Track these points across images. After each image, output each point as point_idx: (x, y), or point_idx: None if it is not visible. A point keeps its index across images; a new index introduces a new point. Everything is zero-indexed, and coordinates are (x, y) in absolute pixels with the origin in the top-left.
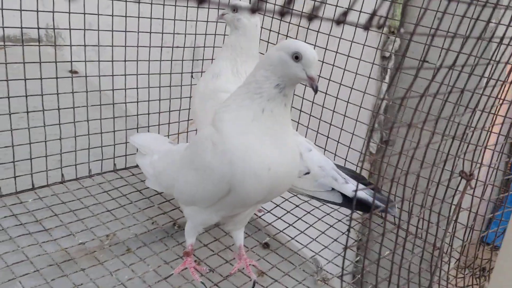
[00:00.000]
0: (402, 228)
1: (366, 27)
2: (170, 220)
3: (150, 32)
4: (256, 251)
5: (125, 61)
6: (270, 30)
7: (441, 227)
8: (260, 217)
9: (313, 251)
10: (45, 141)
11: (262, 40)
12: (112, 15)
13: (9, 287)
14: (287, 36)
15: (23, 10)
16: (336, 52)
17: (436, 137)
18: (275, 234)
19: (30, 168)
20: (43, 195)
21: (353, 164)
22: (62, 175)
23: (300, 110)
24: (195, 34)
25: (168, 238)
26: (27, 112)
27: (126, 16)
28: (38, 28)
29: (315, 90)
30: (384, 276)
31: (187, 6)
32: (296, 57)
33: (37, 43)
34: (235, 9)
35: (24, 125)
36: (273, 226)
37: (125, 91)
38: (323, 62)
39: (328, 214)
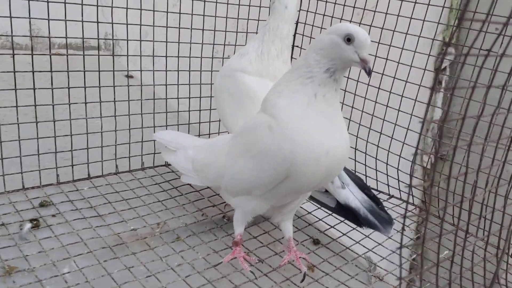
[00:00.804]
0: (462, 229)
1: None
2: (220, 213)
3: (202, 44)
4: (306, 245)
5: (178, 71)
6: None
7: (505, 227)
8: (310, 212)
9: (366, 247)
10: (101, 132)
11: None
12: (167, 26)
13: (64, 265)
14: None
15: (85, 21)
16: (386, 59)
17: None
18: (325, 230)
19: (86, 159)
20: (98, 184)
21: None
22: (116, 166)
23: (350, 119)
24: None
25: (217, 229)
26: (85, 103)
27: (179, 28)
28: (98, 39)
29: (369, 73)
30: (444, 275)
31: (237, 18)
32: (348, 39)
33: (97, 51)
34: None
35: (82, 116)
36: (323, 221)
37: (178, 92)
38: (381, 72)
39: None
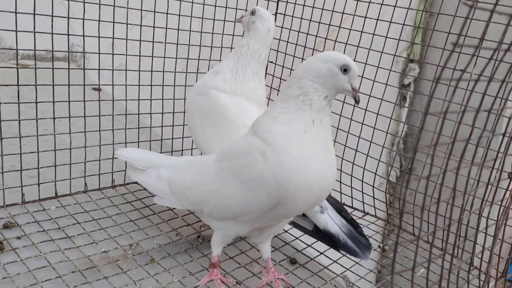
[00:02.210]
0: (436, 246)
1: None
2: (195, 232)
3: (176, 58)
4: (284, 265)
5: (151, 85)
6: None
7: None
8: (286, 231)
9: (344, 267)
10: (70, 149)
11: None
12: (140, 40)
13: None
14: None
15: (54, 34)
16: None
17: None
18: (302, 249)
19: (54, 177)
20: (66, 203)
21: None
22: (86, 184)
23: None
24: (219, 60)
25: (192, 249)
26: (54, 118)
27: (152, 42)
28: (69, 52)
29: (357, 101)
30: None
31: (212, 33)
32: (345, 70)
33: (62, 62)
34: (253, 12)
35: (47, 133)
36: (300, 240)
37: (150, 108)
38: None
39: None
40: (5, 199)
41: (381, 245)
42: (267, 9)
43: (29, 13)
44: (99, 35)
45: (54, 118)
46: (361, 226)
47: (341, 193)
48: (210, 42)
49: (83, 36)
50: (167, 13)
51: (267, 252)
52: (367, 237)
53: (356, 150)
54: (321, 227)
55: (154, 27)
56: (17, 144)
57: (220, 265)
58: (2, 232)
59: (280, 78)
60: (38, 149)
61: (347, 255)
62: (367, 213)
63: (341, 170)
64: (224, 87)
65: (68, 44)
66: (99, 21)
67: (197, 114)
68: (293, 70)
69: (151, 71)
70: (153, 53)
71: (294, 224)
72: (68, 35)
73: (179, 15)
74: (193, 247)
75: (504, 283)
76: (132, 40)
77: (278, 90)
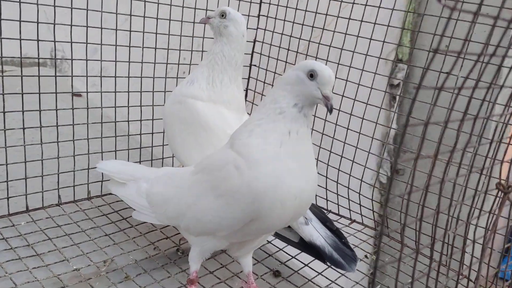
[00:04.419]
0: (423, 254)
1: None
2: (173, 245)
3: (154, 63)
4: (267, 279)
5: (128, 92)
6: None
7: (468, 252)
8: (270, 242)
9: (329, 279)
10: (42, 160)
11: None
12: (116, 45)
13: None
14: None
15: (23, 39)
16: (346, 80)
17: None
18: (286, 260)
19: (24, 189)
20: (38, 217)
21: (366, 197)
22: (59, 196)
23: (312, 129)
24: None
25: (170, 264)
26: (23, 128)
27: (129, 46)
28: (38, 58)
29: (330, 110)
30: None
31: (192, 36)
32: (311, 75)
33: (39, 68)
34: (223, 14)
35: (20, 143)
36: (284, 251)
37: (128, 115)
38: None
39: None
40: None
41: (367, 254)
42: (249, 11)
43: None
44: (71, 40)
45: (23, 128)
46: (348, 234)
47: (327, 200)
48: (191, 46)
49: (54, 41)
50: (144, 16)
51: (248, 266)
52: (352, 247)
53: (342, 156)
54: (306, 239)
55: (130, 31)
56: None
57: (198, 281)
58: None
59: (264, 82)
60: (6, 161)
61: (333, 267)
62: (354, 221)
63: (326, 177)
64: (201, 96)
65: (38, 49)
66: (71, 25)
67: (175, 123)
68: (276, 73)
69: (128, 77)
70: (129, 58)
71: (278, 235)
72: (38, 40)
73: (157, 19)
74: (171, 261)
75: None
76: (107, 45)
77: (262, 94)
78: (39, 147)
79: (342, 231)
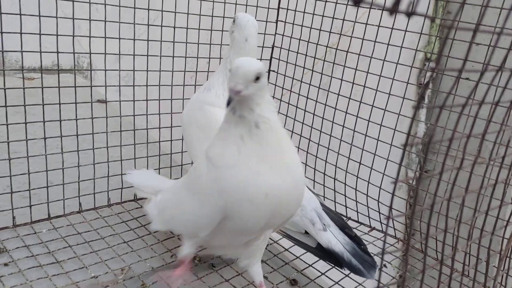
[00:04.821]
0: (446, 265)
1: (392, 10)
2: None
3: (185, 71)
4: None
5: (146, 100)
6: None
7: (491, 264)
8: (287, 249)
9: None
10: (63, 168)
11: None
12: (133, 54)
13: None
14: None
15: (60, 52)
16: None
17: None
18: (303, 269)
19: (46, 197)
20: (59, 225)
21: (388, 192)
22: (80, 204)
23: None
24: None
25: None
26: (44, 138)
27: (160, 56)
28: (75, 70)
29: (227, 104)
30: None
31: (210, 44)
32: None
33: (68, 74)
34: (234, 20)
35: (41, 152)
36: (301, 259)
37: (146, 123)
38: (353, 83)
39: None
40: None
41: (386, 263)
42: (267, 17)
43: (35, 33)
44: (90, 51)
45: (45, 138)
46: (367, 242)
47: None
48: (208, 53)
49: (90, 53)
50: (161, 26)
51: (258, 275)
52: (372, 254)
53: (360, 163)
54: (324, 245)
55: (148, 40)
56: (15, 163)
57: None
58: None
59: (282, 88)
60: (29, 170)
61: (352, 274)
62: (374, 228)
63: (345, 184)
64: (218, 102)
65: (74, 59)
66: (89, 36)
67: (193, 130)
68: (295, 79)
69: (146, 86)
70: (147, 67)
71: (296, 241)
72: (74, 53)
73: (174, 27)
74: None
75: None
76: (125, 55)
77: (281, 100)
78: (61, 155)
79: (361, 238)
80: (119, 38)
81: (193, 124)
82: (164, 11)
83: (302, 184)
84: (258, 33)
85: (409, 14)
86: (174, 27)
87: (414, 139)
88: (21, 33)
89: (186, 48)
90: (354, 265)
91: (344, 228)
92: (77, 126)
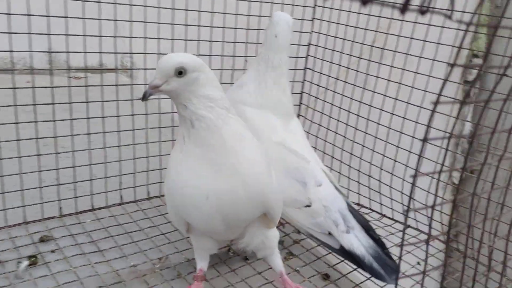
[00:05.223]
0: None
1: (403, 9)
2: (225, 246)
3: (222, 70)
4: (314, 282)
5: None
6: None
7: None
8: (320, 245)
9: (378, 284)
10: (105, 163)
11: None
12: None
13: None
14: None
15: (103, 52)
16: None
17: None
18: (335, 264)
19: (90, 190)
20: (101, 216)
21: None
22: (121, 197)
23: (376, 137)
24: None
25: (220, 263)
26: (88, 134)
27: (198, 55)
28: (116, 69)
29: (142, 98)
30: None
31: (246, 42)
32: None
33: (112, 73)
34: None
35: (85, 147)
36: (333, 255)
37: None
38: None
39: (395, 244)
40: (44, 213)
41: (419, 261)
42: (303, 15)
43: (79, 35)
44: (130, 50)
45: (89, 134)
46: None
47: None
48: (245, 52)
49: (130, 53)
50: (198, 26)
51: (277, 266)
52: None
53: (395, 160)
54: (346, 247)
55: (186, 40)
56: (62, 157)
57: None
58: (38, 246)
59: (318, 85)
60: (74, 164)
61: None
62: (384, 215)
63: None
64: (249, 101)
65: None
66: (144, 38)
67: None
68: (330, 76)
69: None
70: None
71: (320, 242)
72: (116, 53)
73: (211, 27)
74: (222, 261)
75: None
76: (163, 54)
77: (317, 97)
78: (103, 150)
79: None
80: (158, 38)
81: None
82: (202, 11)
83: (256, 186)
84: (294, 31)
85: (424, 11)
86: (211, 27)
87: (460, 139)
88: (67, 35)
89: (223, 47)
90: (375, 268)
91: (368, 230)
92: (118, 122)
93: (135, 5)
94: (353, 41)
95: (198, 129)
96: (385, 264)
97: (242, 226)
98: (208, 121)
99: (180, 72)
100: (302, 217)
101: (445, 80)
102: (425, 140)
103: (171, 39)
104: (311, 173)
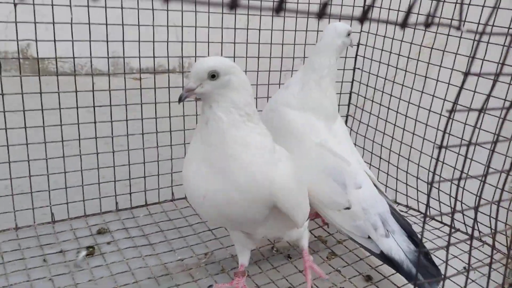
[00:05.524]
0: None
1: (403, 25)
2: (269, 243)
3: (258, 71)
4: (355, 282)
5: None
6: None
7: None
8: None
9: None
10: (158, 161)
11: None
12: (246, 57)
13: None
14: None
15: (170, 57)
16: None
17: None
18: (378, 265)
19: (144, 186)
20: (154, 211)
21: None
22: (173, 193)
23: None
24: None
25: (263, 261)
26: (142, 134)
27: (258, 57)
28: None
29: (178, 100)
30: None
31: (294, 44)
32: None
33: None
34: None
35: (140, 146)
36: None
37: None
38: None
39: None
40: (101, 207)
41: (466, 266)
42: (352, 14)
43: (149, 41)
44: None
45: (143, 134)
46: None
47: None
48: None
49: (195, 56)
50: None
51: (303, 245)
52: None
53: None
54: (385, 251)
55: (234, 43)
56: (120, 155)
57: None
58: (96, 237)
59: (367, 85)
60: (129, 162)
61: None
62: (433, 218)
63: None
64: (292, 103)
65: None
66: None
67: (269, 130)
68: (379, 76)
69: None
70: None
71: (360, 245)
72: (182, 57)
73: (259, 30)
74: (264, 258)
75: None
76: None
77: (365, 98)
78: (156, 149)
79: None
80: (221, 43)
81: (269, 124)
82: (263, 15)
83: (251, 192)
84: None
85: (428, 24)
86: (272, 30)
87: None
88: (139, 41)
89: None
90: (414, 275)
91: (411, 235)
92: (170, 123)
93: (199, 11)
94: (401, 41)
95: (209, 128)
96: (426, 271)
97: (255, 223)
98: (220, 122)
99: (213, 76)
100: (342, 219)
101: (461, 88)
102: (470, 143)
103: (233, 43)
104: (351, 175)
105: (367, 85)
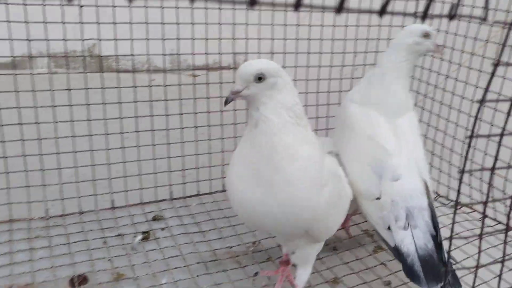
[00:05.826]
0: None
1: (423, 17)
2: None
3: (331, 66)
4: (400, 276)
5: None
6: None
7: None
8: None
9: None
10: (210, 153)
11: None
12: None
13: (163, 276)
14: None
15: (222, 54)
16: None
17: None
18: (397, 271)
19: (196, 177)
20: (205, 201)
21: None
22: (223, 185)
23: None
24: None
25: None
26: (195, 127)
27: (308, 53)
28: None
29: (224, 102)
30: None
31: (367, 39)
32: None
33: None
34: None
35: (193, 139)
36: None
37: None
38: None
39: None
40: (157, 195)
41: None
42: (404, 9)
43: (202, 38)
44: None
45: (196, 127)
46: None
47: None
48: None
49: (246, 53)
50: (321, 25)
51: (299, 279)
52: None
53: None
54: (396, 242)
55: (298, 39)
56: (174, 147)
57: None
58: (151, 224)
59: (427, 83)
60: (183, 153)
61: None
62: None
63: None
64: (356, 97)
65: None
66: (246, 38)
67: (337, 121)
68: (440, 74)
69: (306, 80)
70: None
71: (381, 237)
72: (234, 53)
73: (321, 25)
74: None
75: None
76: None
77: (425, 96)
78: (208, 142)
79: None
80: (272, 39)
81: (338, 119)
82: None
83: (291, 208)
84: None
85: (452, 16)
86: (332, 39)
87: None
88: (193, 39)
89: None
90: (415, 270)
91: (435, 234)
92: (221, 117)
93: (251, 9)
94: (465, 36)
95: (259, 130)
96: (430, 270)
97: (288, 240)
98: (271, 124)
99: (259, 78)
100: (372, 209)
101: (491, 77)
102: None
103: (284, 39)
104: (390, 167)
105: (427, 83)
